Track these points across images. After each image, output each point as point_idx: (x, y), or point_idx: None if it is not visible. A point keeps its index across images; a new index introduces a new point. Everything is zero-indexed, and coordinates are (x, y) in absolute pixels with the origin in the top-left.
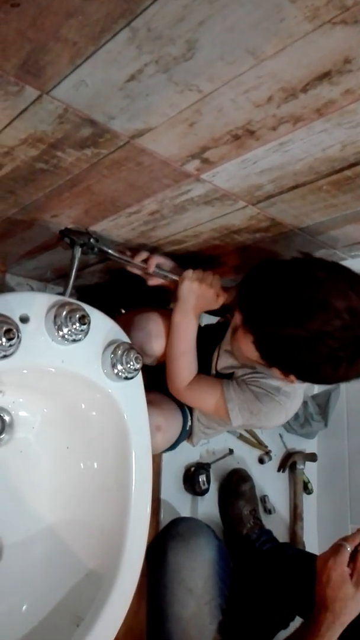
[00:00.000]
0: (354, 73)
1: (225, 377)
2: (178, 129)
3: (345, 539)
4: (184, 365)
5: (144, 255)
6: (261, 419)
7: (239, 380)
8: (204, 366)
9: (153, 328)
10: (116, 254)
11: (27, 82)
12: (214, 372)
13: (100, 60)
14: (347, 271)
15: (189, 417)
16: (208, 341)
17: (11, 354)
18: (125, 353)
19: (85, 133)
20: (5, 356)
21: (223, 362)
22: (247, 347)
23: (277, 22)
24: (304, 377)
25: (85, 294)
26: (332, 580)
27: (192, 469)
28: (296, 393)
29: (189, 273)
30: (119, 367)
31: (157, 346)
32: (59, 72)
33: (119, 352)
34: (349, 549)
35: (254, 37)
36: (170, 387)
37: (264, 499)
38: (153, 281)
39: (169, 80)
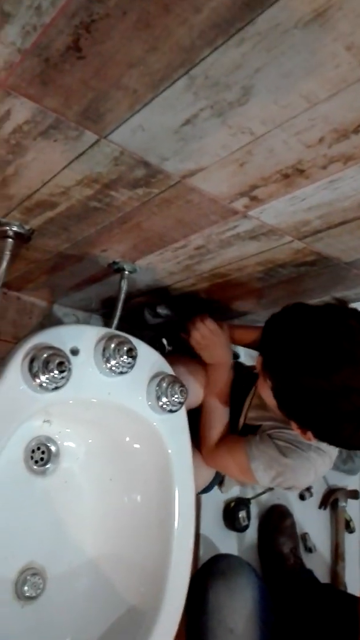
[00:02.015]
0: None
1: (252, 429)
2: (228, 169)
3: None
4: (213, 422)
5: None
6: (287, 476)
7: (263, 434)
8: (234, 415)
9: (193, 381)
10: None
11: (86, 127)
12: (242, 423)
13: (157, 106)
14: None
15: None
16: (241, 388)
17: (62, 386)
18: (170, 385)
19: (139, 174)
20: (56, 388)
21: (253, 412)
22: (266, 393)
23: (332, 68)
24: (322, 436)
25: (129, 323)
26: None
27: (232, 504)
28: (328, 451)
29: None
30: (164, 399)
31: (195, 399)
32: (117, 118)
33: (164, 384)
34: None
35: (308, 82)
36: (201, 448)
37: (304, 536)
38: None
39: (222, 123)
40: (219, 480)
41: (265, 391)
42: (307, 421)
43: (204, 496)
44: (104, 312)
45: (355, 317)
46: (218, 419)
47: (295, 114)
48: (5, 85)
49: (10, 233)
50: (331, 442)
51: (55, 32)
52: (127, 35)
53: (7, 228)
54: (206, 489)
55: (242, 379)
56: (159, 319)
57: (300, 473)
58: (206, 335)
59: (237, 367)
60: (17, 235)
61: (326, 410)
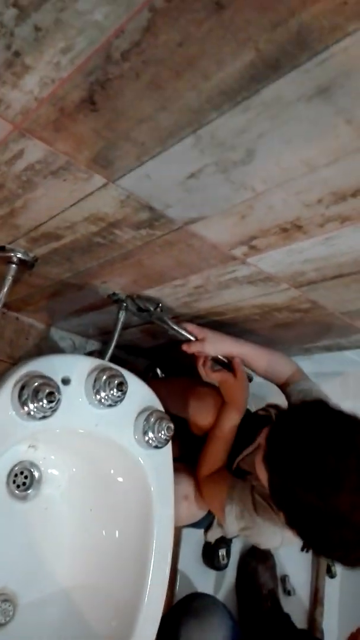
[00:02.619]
0: None
1: (243, 473)
2: (230, 220)
3: None
4: (215, 453)
5: (203, 334)
6: (253, 532)
7: (247, 484)
8: (233, 453)
9: (198, 403)
10: (175, 327)
11: (96, 171)
12: (235, 464)
13: (164, 159)
14: None
15: None
16: (245, 432)
17: (49, 416)
18: (157, 421)
19: (143, 217)
20: (44, 417)
21: (247, 459)
22: (262, 476)
23: (332, 138)
24: (307, 542)
25: (123, 350)
26: None
27: (213, 541)
28: None
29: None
30: (150, 434)
31: (198, 420)
32: (125, 166)
33: (152, 419)
34: None
35: (309, 149)
36: (197, 470)
37: (284, 578)
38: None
39: (226, 179)
40: (210, 518)
41: (261, 473)
42: (294, 526)
43: (184, 532)
44: (100, 338)
45: None
46: (219, 453)
47: (295, 176)
48: (20, 128)
49: (15, 259)
50: (319, 553)
51: (71, 86)
52: (139, 95)
53: (12, 254)
54: (196, 524)
55: (247, 422)
56: (144, 313)
57: (265, 534)
58: (230, 383)
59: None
60: (21, 262)
61: (316, 529)
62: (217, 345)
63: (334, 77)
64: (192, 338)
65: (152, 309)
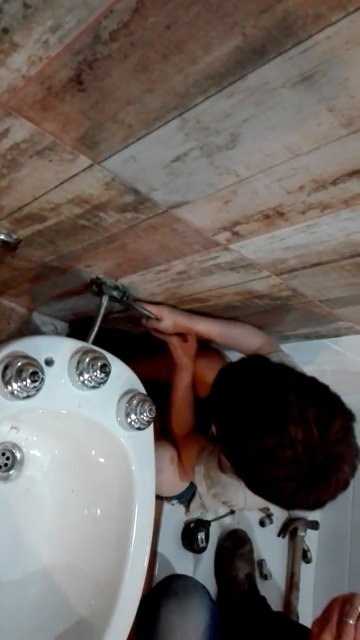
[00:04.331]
0: None
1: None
2: (213, 205)
3: (347, 613)
4: (178, 412)
5: (158, 311)
6: (219, 489)
7: (217, 448)
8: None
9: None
10: (135, 306)
11: (81, 152)
12: (211, 432)
13: (150, 141)
14: (325, 402)
15: None
16: None
17: (33, 396)
18: (140, 404)
19: (128, 200)
20: (28, 396)
21: None
22: (215, 430)
23: (314, 125)
24: (250, 487)
25: (105, 336)
26: None
27: (192, 525)
28: None
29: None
30: (133, 416)
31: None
32: (111, 148)
33: (134, 402)
34: (351, 622)
35: (292, 135)
36: (170, 434)
37: (261, 563)
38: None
39: (210, 164)
40: (192, 490)
41: (215, 428)
42: (238, 471)
43: (164, 515)
44: (82, 324)
45: (297, 389)
46: (183, 413)
47: (278, 162)
48: (6, 106)
49: None
50: (261, 497)
51: (59, 65)
52: (127, 76)
53: None
54: (179, 496)
55: None
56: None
57: (230, 490)
58: (174, 344)
59: None
60: (4, 244)
61: (249, 471)
62: (171, 322)
63: (317, 65)
64: (152, 315)
65: (115, 294)
